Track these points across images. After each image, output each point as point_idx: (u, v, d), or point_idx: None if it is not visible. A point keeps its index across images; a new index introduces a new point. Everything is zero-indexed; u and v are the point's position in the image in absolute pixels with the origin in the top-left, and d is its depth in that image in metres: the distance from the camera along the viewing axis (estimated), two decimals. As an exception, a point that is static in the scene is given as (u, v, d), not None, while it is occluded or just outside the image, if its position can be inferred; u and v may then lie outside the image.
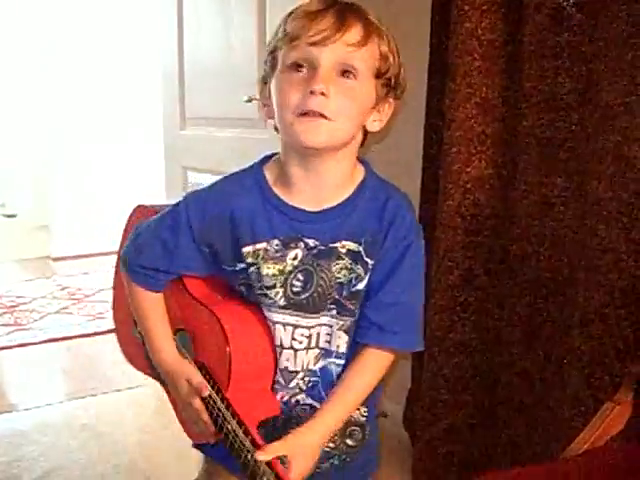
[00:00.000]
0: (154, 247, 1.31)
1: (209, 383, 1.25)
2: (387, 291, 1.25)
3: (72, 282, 4.79)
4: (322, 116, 1.14)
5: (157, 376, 1.44)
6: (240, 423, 1.18)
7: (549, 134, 1.87)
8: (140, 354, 1.48)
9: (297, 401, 1.29)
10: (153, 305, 1.37)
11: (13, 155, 7.22)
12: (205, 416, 1.27)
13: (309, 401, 1.30)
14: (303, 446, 1.18)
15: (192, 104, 3.19)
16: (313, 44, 1.13)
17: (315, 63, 1.14)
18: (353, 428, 1.32)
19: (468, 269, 2.08)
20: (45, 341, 3.69)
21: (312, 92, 1.13)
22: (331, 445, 1.31)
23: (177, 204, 1.32)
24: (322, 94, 1.13)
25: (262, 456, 1.11)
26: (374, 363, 1.28)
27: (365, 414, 1.33)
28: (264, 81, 1.26)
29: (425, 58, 2.22)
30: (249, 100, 2.59)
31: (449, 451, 2.20)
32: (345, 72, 1.16)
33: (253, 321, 1.28)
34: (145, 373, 1.53)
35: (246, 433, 1.16)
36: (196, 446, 1.46)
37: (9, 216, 7.50)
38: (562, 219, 1.87)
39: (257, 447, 1.13)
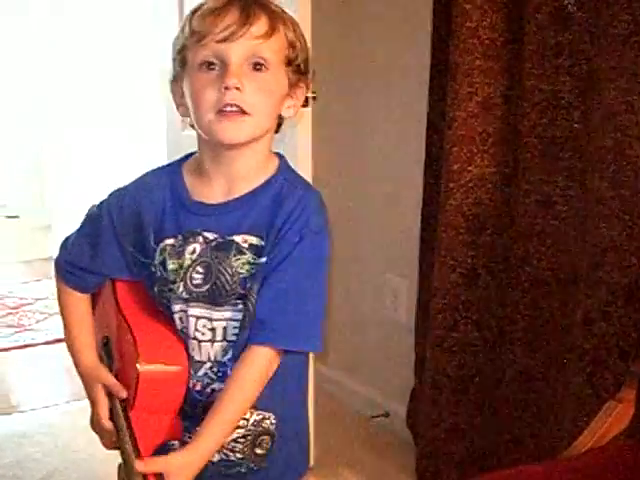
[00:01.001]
0: (81, 246, 1.35)
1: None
2: (271, 285, 1.21)
3: (75, 283, 4.79)
4: (240, 110, 1.15)
5: None
6: (135, 447, 1.16)
7: (550, 133, 1.88)
8: None
9: (212, 389, 1.26)
10: (77, 305, 1.39)
11: (14, 156, 7.23)
12: (107, 425, 1.29)
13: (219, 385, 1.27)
14: (180, 467, 1.15)
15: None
16: (221, 41, 1.14)
17: (226, 59, 1.15)
18: (262, 438, 1.28)
19: (470, 268, 2.08)
20: (48, 342, 3.68)
21: (226, 88, 1.14)
22: (238, 455, 1.27)
23: (100, 203, 1.35)
24: (237, 89, 1.14)
25: (140, 466, 1.11)
26: (254, 365, 1.21)
27: (274, 422, 1.28)
28: (176, 80, 1.26)
29: (427, 57, 2.23)
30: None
31: (452, 450, 2.20)
32: (256, 65, 1.17)
33: (172, 342, 1.26)
34: None
35: (136, 454, 1.15)
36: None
37: (11, 217, 7.51)
38: (564, 217, 1.87)
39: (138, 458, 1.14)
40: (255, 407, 1.24)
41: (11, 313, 4.18)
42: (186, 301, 1.25)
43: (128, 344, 1.24)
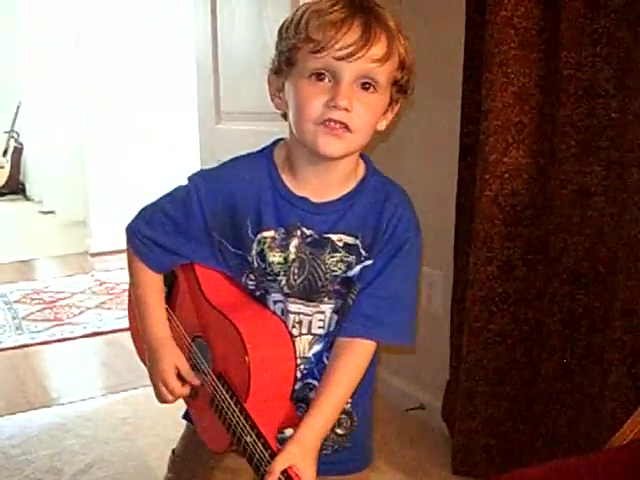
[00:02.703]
0: (165, 225, 1.32)
1: (227, 393, 1.24)
2: (380, 284, 1.27)
3: (110, 277, 4.84)
4: (345, 126, 1.16)
5: None
6: (259, 435, 1.17)
7: (587, 122, 1.85)
8: None
9: (293, 390, 1.27)
10: (153, 282, 1.38)
11: (50, 153, 7.31)
12: (178, 393, 1.34)
13: (309, 380, 1.31)
14: (303, 457, 1.17)
15: (227, 98, 3.20)
16: (338, 59, 1.13)
17: (338, 76, 1.15)
18: (341, 417, 1.32)
19: (507, 260, 2.07)
20: (84, 336, 3.73)
21: (335, 106, 1.14)
22: None
23: (186, 186, 1.32)
24: (345, 109, 1.14)
25: (278, 465, 1.12)
26: (360, 357, 1.28)
27: (349, 400, 1.31)
28: (277, 73, 1.26)
29: (460, 48, 2.21)
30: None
31: (488, 443, 2.19)
32: (366, 84, 1.17)
33: (272, 327, 1.27)
34: None
35: (265, 446, 1.15)
36: (185, 417, 1.51)
37: (47, 212, 7.60)
38: (602, 208, 1.85)
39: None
40: None
41: (48, 307, 4.23)
42: (286, 296, 1.27)
43: (230, 337, 1.23)
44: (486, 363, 2.13)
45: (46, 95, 7.25)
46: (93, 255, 5.54)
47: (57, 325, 3.89)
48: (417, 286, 1.33)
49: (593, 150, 1.85)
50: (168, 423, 2.61)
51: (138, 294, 1.39)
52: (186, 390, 1.35)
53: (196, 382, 1.33)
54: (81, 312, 4.13)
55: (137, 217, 1.38)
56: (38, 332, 3.78)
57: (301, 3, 2.56)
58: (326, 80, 1.16)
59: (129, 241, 1.38)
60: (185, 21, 4.68)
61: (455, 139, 2.28)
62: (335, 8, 1.15)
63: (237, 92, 3.10)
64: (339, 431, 1.33)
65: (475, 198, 2.09)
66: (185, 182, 1.33)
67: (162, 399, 1.38)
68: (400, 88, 1.25)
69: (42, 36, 7.14)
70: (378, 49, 1.15)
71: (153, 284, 1.38)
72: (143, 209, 1.38)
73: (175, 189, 1.34)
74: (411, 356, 2.72)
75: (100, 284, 4.70)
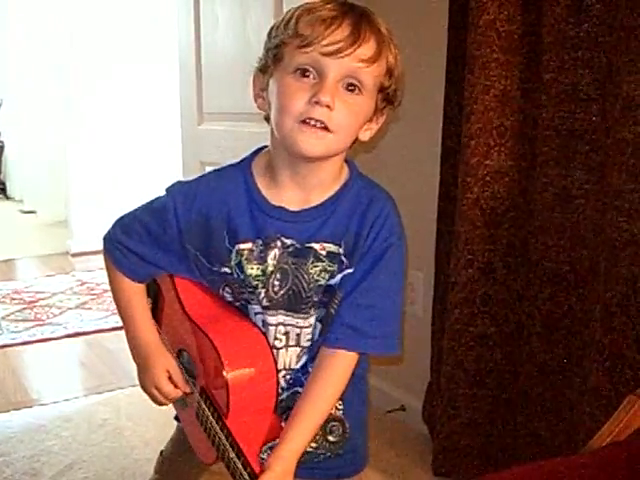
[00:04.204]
0: (141, 235, 1.31)
1: (209, 409, 1.23)
2: (361, 293, 1.24)
3: (91, 277, 4.82)
4: (324, 127, 1.14)
5: None
6: (239, 454, 1.16)
7: (569, 126, 1.86)
8: None
9: (281, 400, 1.28)
10: (133, 289, 1.37)
11: (31, 152, 7.27)
12: (173, 396, 1.34)
13: (297, 389, 1.30)
14: (286, 473, 1.17)
15: (210, 99, 3.19)
16: (325, 54, 1.12)
17: (323, 73, 1.13)
18: (332, 424, 1.31)
19: (488, 262, 2.07)
20: (65, 336, 3.71)
21: (317, 102, 1.13)
22: (313, 445, 1.30)
23: (163, 197, 1.31)
24: (327, 106, 1.13)
25: None
26: (342, 368, 1.26)
27: (340, 407, 1.31)
28: (263, 71, 1.25)
29: (443, 50, 2.22)
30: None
31: (469, 445, 2.19)
32: (351, 85, 1.16)
33: (251, 341, 1.25)
34: None
35: (244, 465, 1.14)
36: (177, 418, 1.50)
37: (28, 212, 7.56)
38: (582, 211, 1.86)
39: (255, 479, 1.13)
40: None
41: (28, 307, 4.21)
42: (266, 309, 1.25)
43: (209, 352, 1.22)
44: (467, 365, 2.14)
45: (28, 94, 7.21)
46: (74, 255, 5.52)
47: (37, 325, 3.87)
48: (402, 293, 1.31)
49: (574, 154, 1.86)
50: (149, 424, 2.60)
51: (120, 303, 1.38)
52: (180, 392, 1.34)
53: (186, 389, 1.33)
54: (62, 312, 4.11)
55: (114, 225, 1.37)
56: (18, 332, 3.75)
57: (284, 5, 2.58)
58: (311, 77, 1.14)
59: (105, 249, 1.37)
60: (169, 22, 4.67)
61: (437, 141, 2.28)
62: (327, 7, 1.15)
63: (220, 93, 3.10)
64: (331, 438, 1.32)
65: (457, 201, 2.10)
66: (163, 193, 1.31)
67: (157, 403, 1.38)
68: (387, 96, 1.24)
69: (26, 35, 7.10)
70: (366, 49, 1.14)
71: (134, 291, 1.37)
72: (120, 218, 1.36)
73: (153, 200, 1.33)
74: (392, 357, 2.73)
75: (81, 284, 4.68)
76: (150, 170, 5.59)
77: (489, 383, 2.14)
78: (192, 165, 3.36)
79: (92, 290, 4.52)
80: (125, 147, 5.65)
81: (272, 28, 1.24)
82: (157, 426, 2.59)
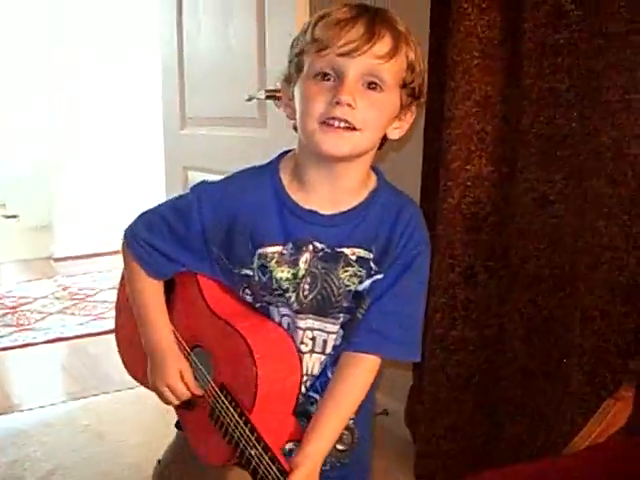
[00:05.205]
0: (164, 232, 1.30)
1: (230, 405, 1.23)
2: (390, 299, 1.25)
3: (74, 282, 4.80)
4: (347, 124, 1.14)
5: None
6: (266, 449, 1.15)
7: (549, 131, 1.88)
8: (140, 364, 1.43)
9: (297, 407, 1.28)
10: (153, 288, 1.36)
11: (14, 156, 7.23)
12: (185, 396, 1.33)
13: (311, 394, 1.30)
14: (315, 472, 1.19)
15: (192, 103, 3.19)
16: (341, 55, 1.13)
17: (342, 73, 1.14)
18: (343, 433, 1.30)
19: (469, 266, 2.08)
20: (47, 341, 3.69)
21: (338, 102, 1.13)
22: None
23: (187, 196, 1.30)
24: (348, 105, 1.13)
25: None
26: (366, 372, 1.28)
27: (353, 417, 1.31)
28: (288, 81, 1.25)
29: (424, 55, 2.22)
30: (249, 99, 2.59)
31: (451, 448, 2.20)
32: (371, 83, 1.16)
33: (278, 339, 1.25)
34: (144, 384, 1.48)
35: (272, 460, 1.14)
36: (177, 425, 1.48)
37: (10, 217, 7.51)
38: (562, 216, 1.88)
39: (284, 474, 1.13)
40: None
41: (10, 312, 4.19)
42: (296, 312, 1.26)
43: (236, 347, 1.21)
44: (448, 369, 2.14)
45: (11, 98, 7.18)
46: (57, 260, 5.49)
47: (19, 330, 3.85)
48: (425, 300, 1.32)
49: (554, 159, 1.87)
50: (130, 429, 2.60)
51: (138, 301, 1.37)
52: (189, 393, 1.33)
53: (198, 391, 1.31)
54: (43, 317, 4.09)
55: (136, 221, 1.36)
56: (0, 337, 3.73)
57: (267, 11, 2.58)
58: (331, 80, 1.15)
59: (129, 245, 1.35)
60: (152, 27, 4.67)
61: (419, 146, 2.29)
62: (341, 10, 1.16)
63: (202, 98, 3.10)
64: (339, 447, 1.32)
65: (438, 205, 2.11)
66: (187, 191, 1.31)
67: (166, 402, 1.37)
68: (411, 92, 1.24)
69: (10, 39, 7.06)
70: (382, 46, 1.14)
71: (153, 290, 1.36)
72: (143, 214, 1.36)
73: (177, 197, 1.33)
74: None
75: (63, 289, 4.66)
76: (133, 175, 5.58)
77: (470, 387, 2.15)
78: (174, 170, 3.36)
79: (74, 295, 4.50)
80: (108, 152, 5.64)
81: (293, 40, 1.25)
82: (139, 431, 2.59)
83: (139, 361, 1.43)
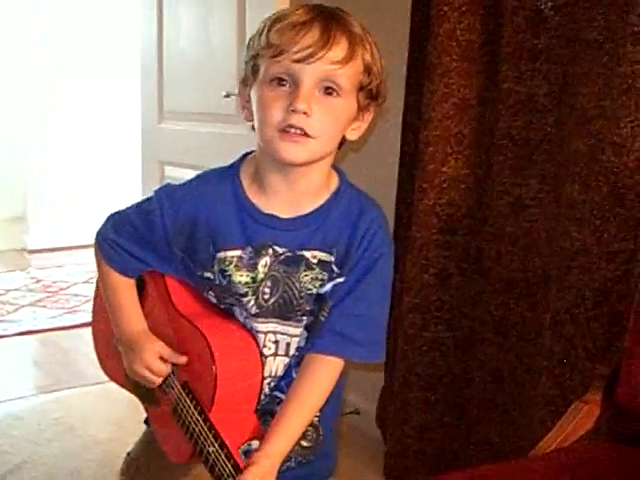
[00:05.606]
0: (130, 234, 1.31)
1: (191, 403, 1.23)
2: (352, 302, 1.25)
3: (47, 275, 4.76)
4: (304, 132, 1.14)
5: (134, 390, 1.43)
6: (222, 446, 1.16)
7: (524, 136, 1.89)
8: (120, 368, 1.42)
9: (261, 404, 1.29)
10: (123, 283, 1.36)
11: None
12: (165, 373, 1.30)
13: (276, 394, 1.30)
14: (272, 472, 1.18)
15: (170, 98, 3.18)
16: (297, 61, 1.12)
17: (298, 80, 1.13)
18: (307, 429, 1.30)
19: (443, 268, 2.09)
20: (18, 334, 3.65)
21: (294, 110, 1.12)
22: None
23: (152, 199, 1.30)
24: (304, 113, 1.12)
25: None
26: (329, 373, 1.28)
27: (317, 414, 1.31)
28: (244, 83, 1.24)
29: (404, 57, 2.23)
30: (227, 95, 2.59)
31: (421, 449, 2.21)
32: (328, 89, 1.15)
33: (239, 339, 1.25)
34: (124, 387, 1.49)
35: (228, 457, 1.15)
36: (146, 422, 1.48)
37: (-16, 207, 7.44)
38: (536, 220, 1.89)
39: (238, 472, 1.13)
40: None
41: (-19, 304, 4.15)
42: (255, 316, 1.26)
43: (198, 345, 1.22)
44: (420, 370, 2.16)
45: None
46: (30, 252, 5.44)
47: (-10, 322, 3.82)
48: (389, 302, 1.32)
49: (529, 163, 1.89)
50: (101, 424, 2.59)
51: (109, 294, 1.38)
52: (170, 367, 1.31)
53: (182, 360, 1.29)
54: (15, 309, 4.05)
55: (106, 223, 1.37)
56: (-29, 329, 3.70)
57: (247, 7, 2.58)
58: (287, 86, 1.14)
59: (98, 245, 1.37)
60: (131, 21, 4.65)
61: (396, 147, 2.30)
62: (296, 13, 1.15)
63: (181, 92, 3.10)
64: (304, 443, 1.32)
65: (413, 206, 2.12)
66: (153, 194, 1.31)
67: (149, 384, 1.34)
68: (369, 94, 1.23)
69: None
70: (338, 51, 1.13)
71: (124, 285, 1.37)
72: (111, 215, 1.37)
73: (143, 200, 1.33)
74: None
75: (36, 282, 4.62)
76: (109, 167, 5.54)
77: (441, 388, 2.16)
78: (151, 164, 3.35)
79: (48, 288, 4.47)
80: (84, 144, 5.60)
81: (249, 40, 1.24)
82: (109, 426, 2.58)
83: (121, 369, 1.42)
